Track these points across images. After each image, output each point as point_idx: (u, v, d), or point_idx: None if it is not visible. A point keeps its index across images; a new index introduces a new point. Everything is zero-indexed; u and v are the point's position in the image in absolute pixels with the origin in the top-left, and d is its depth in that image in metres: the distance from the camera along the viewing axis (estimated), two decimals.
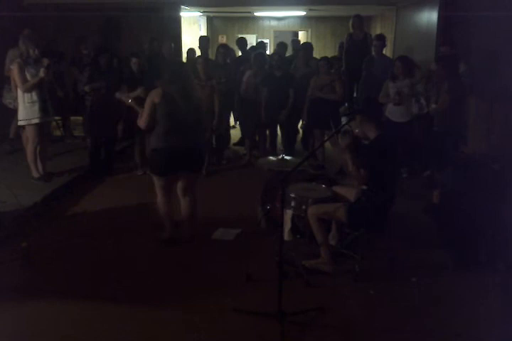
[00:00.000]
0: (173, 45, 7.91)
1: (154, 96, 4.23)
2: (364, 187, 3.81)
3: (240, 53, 8.79)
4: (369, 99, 7.04)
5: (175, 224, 4.60)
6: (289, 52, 8.91)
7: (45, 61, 5.53)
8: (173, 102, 4.23)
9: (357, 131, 3.84)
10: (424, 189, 5.62)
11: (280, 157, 4.26)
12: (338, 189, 4.31)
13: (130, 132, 6.50)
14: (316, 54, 8.73)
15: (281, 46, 8.36)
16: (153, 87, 5.99)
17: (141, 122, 4.34)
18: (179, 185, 4.51)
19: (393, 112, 6.23)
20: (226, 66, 7.33)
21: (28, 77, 5.54)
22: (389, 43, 9.57)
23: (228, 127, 7.90)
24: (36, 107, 5.63)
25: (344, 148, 3.83)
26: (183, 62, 6.76)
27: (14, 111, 5.81)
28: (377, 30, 13.16)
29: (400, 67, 6.13)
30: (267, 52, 9.98)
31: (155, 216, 4.66)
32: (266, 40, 12.79)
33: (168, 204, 4.52)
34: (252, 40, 14.27)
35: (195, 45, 8.90)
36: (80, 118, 7.95)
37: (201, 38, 8.46)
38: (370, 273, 3.98)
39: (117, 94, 4.82)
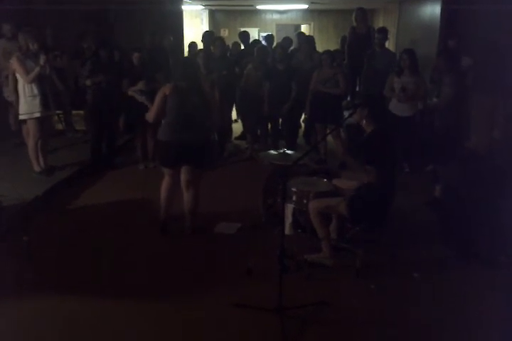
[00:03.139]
0: (171, 38, 7.87)
1: (165, 89, 4.30)
2: (365, 181, 3.80)
3: (242, 47, 8.75)
4: (370, 96, 6.99)
5: (170, 210, 4.62)
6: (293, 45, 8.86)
7: (42, 58, 5.50)
8: (182, 96, 4.28)
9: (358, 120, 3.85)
10: (426, 183, 5.60)
11: (282, 151, 4.25)
12: (339, 183, 4.30)
13: (131, 126, 6.50)
14: (319, 47, 8.68)
15: (286, 41, 8.30)
16: (154, 80, 6.05)
17: (150, 115, 4.41)
18: (183, 179, 4.52)
19: (397, 106, 6.20)
20: (225, 59, 7.30)
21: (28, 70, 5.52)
22: (392, 37, 9.53)
23: (230, 121, 7.88)
24: (37, 101, 5.62)
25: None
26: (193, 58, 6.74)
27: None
28: (380, 23, 13.10)
29: (407, 60, 6.07)
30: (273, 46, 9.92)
31: (156, 210, 4.66)
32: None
33: (170, 190, 4.56)
34: (254, 33, 14.23)
35: (197, 38, 8.86)
36: (82, 112, 7.94)
37: (205, 33, 8.43)
38: (372, 267, 3.97)
39: (130, 92, 4.84)
